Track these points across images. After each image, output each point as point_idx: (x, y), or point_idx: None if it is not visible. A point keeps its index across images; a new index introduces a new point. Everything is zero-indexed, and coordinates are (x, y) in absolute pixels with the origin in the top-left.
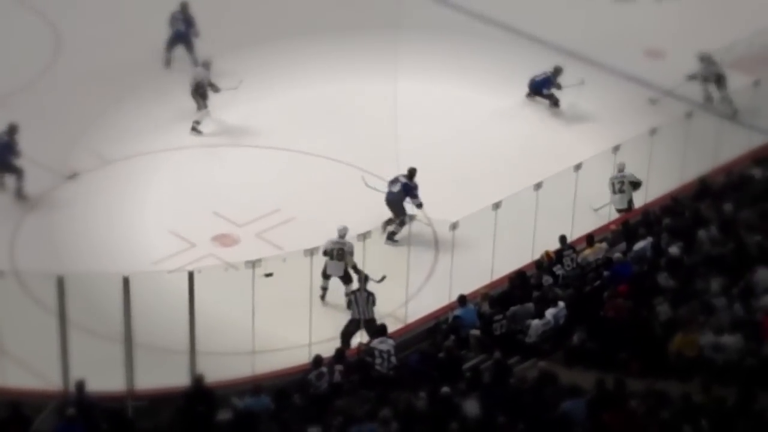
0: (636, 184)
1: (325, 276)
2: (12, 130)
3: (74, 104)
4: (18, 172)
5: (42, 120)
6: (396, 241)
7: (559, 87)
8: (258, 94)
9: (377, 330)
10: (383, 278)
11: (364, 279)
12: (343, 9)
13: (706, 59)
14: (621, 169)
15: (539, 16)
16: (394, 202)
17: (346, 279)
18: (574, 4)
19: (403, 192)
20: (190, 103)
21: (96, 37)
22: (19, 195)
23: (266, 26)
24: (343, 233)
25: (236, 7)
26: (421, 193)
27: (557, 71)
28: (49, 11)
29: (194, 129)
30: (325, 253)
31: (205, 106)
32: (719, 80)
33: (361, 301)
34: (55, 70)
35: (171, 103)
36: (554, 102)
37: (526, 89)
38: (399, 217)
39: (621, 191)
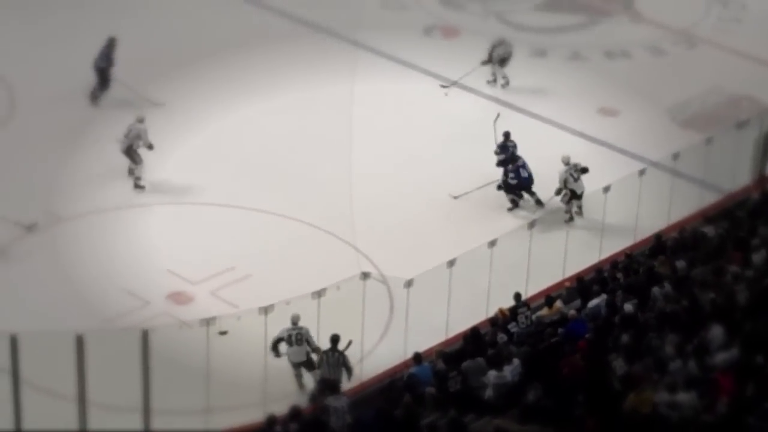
0: (584, 170)
1: (294, 365)
2: None
3: (28, 161)
4: None
5: None
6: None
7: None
8: (209, 149)
9: (331, 387)
10: (349, 344)
11: (333, 340)
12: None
13: (501, 42)
14: (567, 162)
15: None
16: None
17: (308, 365)
18: (527, 64)
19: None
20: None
21: (50, 94)
22: None
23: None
24: (296, 320)
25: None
26: (375, 250)
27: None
28: (3, 68)
29: (137, 186)
30: (278, 342)
31: (141, 161)
32: (504, 60)
33: (331, 361)
34: (9, 126)
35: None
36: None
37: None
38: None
39: (576, 180)
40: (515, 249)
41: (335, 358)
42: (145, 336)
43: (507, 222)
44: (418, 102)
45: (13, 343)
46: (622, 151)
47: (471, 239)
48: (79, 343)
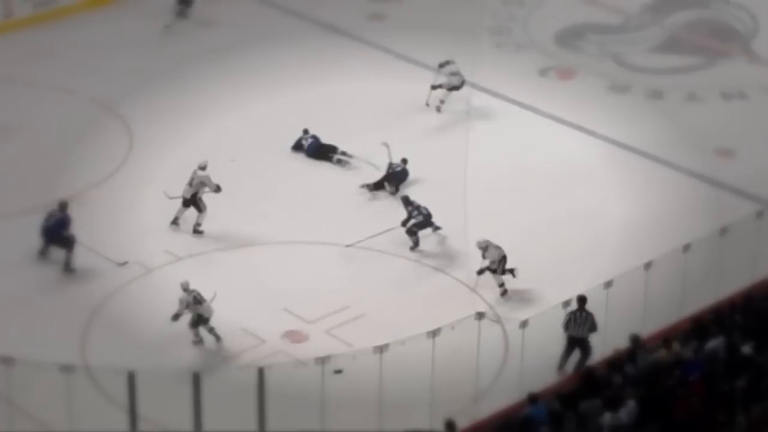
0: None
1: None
2: (63, 206)
3: (145, 201)
4: (68, 246)
5: (113, 217)
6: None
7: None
8: (323, 189)
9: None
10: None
11: (581, 300)
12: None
13: (455, 72)
14: (483, 246)
15: (612, 115)
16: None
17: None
18: (644, 106)
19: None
20: (247, 199)
21: (165, 138)
22: (68, 268)
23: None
24: (186, 286)
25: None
26: (491, 289)
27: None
28: (126, 113)
29: (197, 231)
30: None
31: (205, 208)
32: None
33: (579, 321)
34: (126, 168)
35: (240, 200)
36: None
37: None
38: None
39: (496, 247)
40: (630, 289)
41: (582, 317)
42: (260, 374)
43: (621, 264)
44: (533, 143)
45: (131, 379)
46: (739, 192)
47: (585, 280)
48: (196, 380)
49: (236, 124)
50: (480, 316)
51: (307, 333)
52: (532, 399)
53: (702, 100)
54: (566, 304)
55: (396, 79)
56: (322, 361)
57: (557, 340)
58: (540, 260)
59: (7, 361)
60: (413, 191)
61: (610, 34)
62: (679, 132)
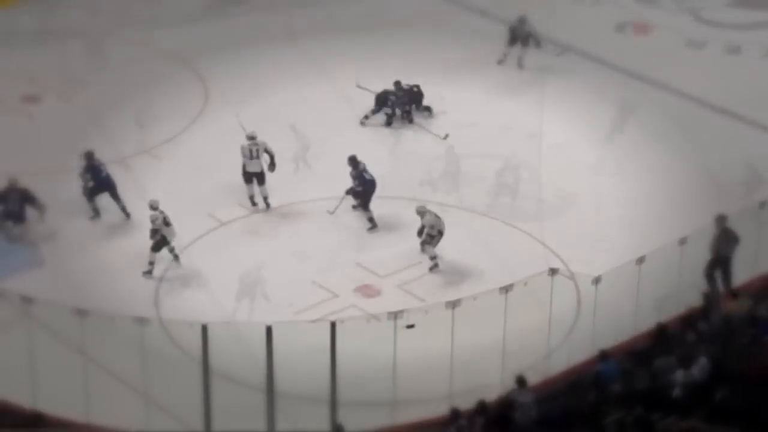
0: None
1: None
2: (91, 155)
3: (220, 155)
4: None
5: (187, 170)
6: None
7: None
8: (395, 146)
9: (519, 381)
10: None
11: (721, 219)
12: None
13: (522, 20)
14: (422, 211)
15: (688, 71)
16: None
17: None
18: (721, 61)
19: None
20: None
21: (239, 91)
22: (127, 213)
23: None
24: (155, 205)
25: None
26: (563, 246)
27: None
28: (201, 67)
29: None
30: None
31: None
32: (526, 40)
33: (726, 240)
34: (201, 121)
35: (314, 157)
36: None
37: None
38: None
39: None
40: (705, 247)
41: (729, 236)
42: (333, 328)
43: (697, 220)
44: (609, 98)
45: (204, 332)
46: None
47: (660, 237)
48: (269, 333)
49: (311, 85)
50: (553, 272)
51: (380, 288)
52: (604, 356)
53: None
54: (640, 260)
55: (467, 32)
56: (395, 315)
57: (630, 296)
58: (615, 216)
59: (82, 312)
60: (485, 144)
61: None
62: (757, 88)
